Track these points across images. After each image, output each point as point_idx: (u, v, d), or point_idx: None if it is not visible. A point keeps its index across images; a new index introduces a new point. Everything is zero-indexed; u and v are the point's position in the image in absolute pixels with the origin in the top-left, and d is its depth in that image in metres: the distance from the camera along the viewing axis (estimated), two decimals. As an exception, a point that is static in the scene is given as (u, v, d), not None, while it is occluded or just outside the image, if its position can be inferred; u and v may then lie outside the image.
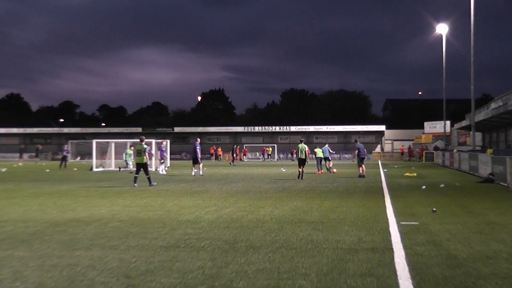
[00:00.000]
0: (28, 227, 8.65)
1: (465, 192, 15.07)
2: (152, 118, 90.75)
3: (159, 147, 28.84)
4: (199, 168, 24.58)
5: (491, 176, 19.07)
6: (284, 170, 29.79)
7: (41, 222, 9.21)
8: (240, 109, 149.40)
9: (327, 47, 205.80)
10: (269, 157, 60.14)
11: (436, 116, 63.74)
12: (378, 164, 40.70)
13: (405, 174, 24.38)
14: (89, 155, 40.80)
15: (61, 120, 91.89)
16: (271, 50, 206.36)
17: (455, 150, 40.21)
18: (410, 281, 5.09)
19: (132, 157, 28.98)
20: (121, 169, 29.69)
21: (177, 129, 71.95)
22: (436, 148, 52.62)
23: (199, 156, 24.57)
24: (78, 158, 59.36)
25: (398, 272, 5.41)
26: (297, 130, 68.37)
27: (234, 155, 44.36)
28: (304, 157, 22.05)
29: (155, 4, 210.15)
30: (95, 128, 75.59)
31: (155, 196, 13.99)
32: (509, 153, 26.13)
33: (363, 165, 22.47)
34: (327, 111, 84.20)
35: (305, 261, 5.93)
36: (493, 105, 38.69)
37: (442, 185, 17.21)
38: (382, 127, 67.68)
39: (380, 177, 22.39)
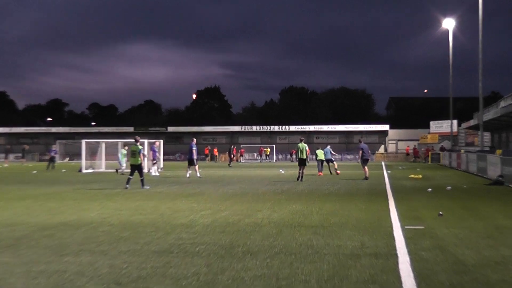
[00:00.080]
0: (14, 231, 8.63)
1: (473, 195, 15.09)
2: (145, 117, 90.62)
3: (151, 147, 28.82)
4: (195, 170, 24.59)
5: (500, 178, 19.09)
6: (283, 172, 29.80)
7: (27, 226, 9.19)
8: (237, 107, 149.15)
9: (328, 42, 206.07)
10: (267, 158, 60.18)
11: (442, 115, 63.83)
12: (381, 165, 40.74)
13: (410, 176, 24.41)
14: (78, 156, 40.74)
15: (49, 119, 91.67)
16: (270, 46, 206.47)
17: (462, 151, 40.29)
18: (415, 288, 5.10)
19: (126, 158, 28.74)
20: (119, 170, 29.12)
21: (170, 129, 71.94)
22: (442, 149, 52.68)
23: (195, 157, 24.58)
24: (67, 159, 59.34)
25: (403, 279, 5.41)
26: (297, 129, 68.41)
27: (232, 155, 44.42)
28: (304, 158, 22.06)
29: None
30: (84, 128, 75.50)
31: (148, 199, 13.98)
32: (518, 154, 26.19)
33: (365, 167, 22.50)
34: (328, 110, 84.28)
35: (305, 267, 5.92)
36: (502, 104, 38.73)
37: (449, 188, 17.24)
38: (385, 127, 67.78)
39: (384, 179, 22.41)
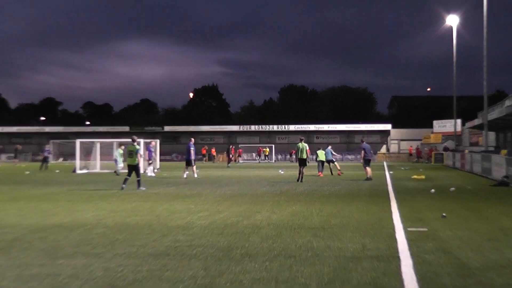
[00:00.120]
0: (6, 233, 8.62)
1: (477, 196, 15.11)
2: (141, 116, 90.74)
3: (147, 147, 28.81)
4: (193, 170, 24.58)
5: (505, 179, 19.12)
6: (282, 172, 29.82)
7: (20, 228, 9.18)
8: (235, 106, 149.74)
9: (328, 40, 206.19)
10: (266, 158, 60.20)
11: (445, 114, 63.94)
12: (383, 165, 40.77)
13: (412, 177, 24.42)
14: (72, 156, 40.72)
15: (42, 118, 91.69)
16: (269, 43, 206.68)
17: (466, 151, 40.31)
18: (418, 291, 5.10)
19: (123, 158, 28.54)
20: (118, 171, 28.74)
21: (167, 128, 71.97)
22: (446, 149, 52.73)
23: (193, 157, 24.58)
24: (61, 159, 59.36)
25: (405, 282, 5.41)
26: (297, 129, 68.46)
27: (230, 155, 44.46)
28: (304, 158, 22.07)
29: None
30: (79, 127, 75.55)
31: (144, 200, 13.98)
32: (524, 154, 26.21)
33: (367, 167, 22.51)
34: (329, 109, 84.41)
35: (305, 270, 5.92)
36: (507, 102, 38.74)
37: (453, 189, 17.25)
38: (387, 126, 67.85)
39: (386, 180, 22.43)
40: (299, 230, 8.80)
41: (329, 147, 28.10)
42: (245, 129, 70.80)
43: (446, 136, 60.55)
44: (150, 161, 27.95)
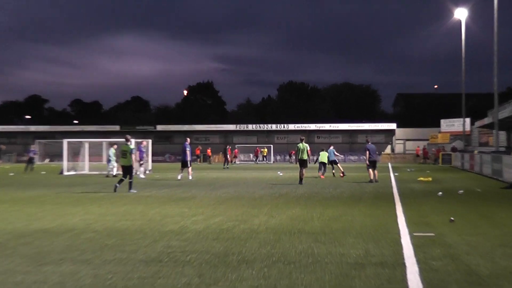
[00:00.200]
0: (-11, 238, 8.60)
1: (487, 199, 15.13)
2: (132, 114, 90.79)
3: (138, 147, 28.78)
4: (188, 172, 24.57)
5: (516, 181, 19.17)
6: (281, 174, 29.84)
7: (3, 233, 9.17)
8: (232, 104, 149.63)
9: (329, 34, 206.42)
10: (264, 159, 60.25)
11: (454, 113, 64.05)
12: (388, 167, 40.84)
13: (418, 179, 24.47)
14: (60, 156, 40.64)
15: (28, 116, 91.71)
16: (267, 38, 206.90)
17: (476, 152, 40.37)
18: (425, 300, 5.11)
19: (116, 158, 28.37)
20: (110, 172, 28.55)
21: (160, 127, 72.02)
22: (454, 149, 52.85)
23: (189, 158, 24.59)
24: (47, 160, 59.32)
25: (411, 290, 5.42)
26: (296, 128, 68.56)
27: (227, 156, 44.50)
28: (305, 158, 22.07)
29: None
30: (66, 126, 75.55)
31: (135, 203, 13.97)
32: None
33: (371, 169, 22.53)
34: (330, 107, 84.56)
35: (305, 277, 5.92)
36: (518, 101, 38.88)
37: (461, 191, 17.28)
38: (392, 125, 67.98)
39: (391, 182, 22.47)
40: (299, 235, 8.80)
41: (331, 147, 28.16)
42: (242, 129, 70.86)
43: (454, 136, 60.69)
44: (142, 162, 27.94)
